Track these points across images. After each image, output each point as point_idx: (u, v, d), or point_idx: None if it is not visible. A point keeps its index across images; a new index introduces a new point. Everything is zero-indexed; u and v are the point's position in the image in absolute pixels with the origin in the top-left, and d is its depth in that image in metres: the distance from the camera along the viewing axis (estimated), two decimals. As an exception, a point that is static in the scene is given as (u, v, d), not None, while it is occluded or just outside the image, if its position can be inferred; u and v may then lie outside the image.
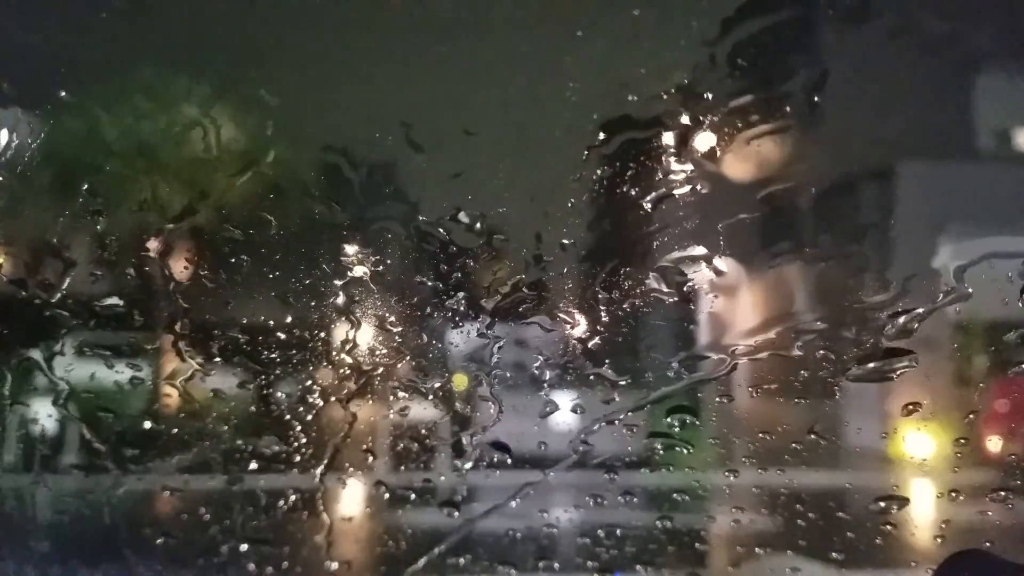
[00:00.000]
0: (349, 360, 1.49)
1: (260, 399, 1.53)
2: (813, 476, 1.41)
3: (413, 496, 1.51)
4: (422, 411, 1.51)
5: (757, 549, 1.46)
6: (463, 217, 1.42)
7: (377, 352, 1.49)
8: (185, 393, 1.51)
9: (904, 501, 1.33)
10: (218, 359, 1.50)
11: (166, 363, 1.50)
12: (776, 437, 1.40)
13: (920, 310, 1.28)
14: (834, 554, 1.41)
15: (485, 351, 1.45)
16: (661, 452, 1.47)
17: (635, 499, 1.50)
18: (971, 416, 1.31)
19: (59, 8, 1.53)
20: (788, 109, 1.39)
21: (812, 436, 1.37)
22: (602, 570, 1.49)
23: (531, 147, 1.42)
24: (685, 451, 1.46)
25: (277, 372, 1.50)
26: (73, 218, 1.47)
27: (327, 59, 1.45)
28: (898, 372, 1.27)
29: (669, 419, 1.44)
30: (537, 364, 1.46)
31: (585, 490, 1.50)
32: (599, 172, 1.39)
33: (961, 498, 1.31)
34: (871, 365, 1.28)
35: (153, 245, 1.42)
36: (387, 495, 1.53)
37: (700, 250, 1.37)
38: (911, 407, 1.27)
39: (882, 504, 1.37)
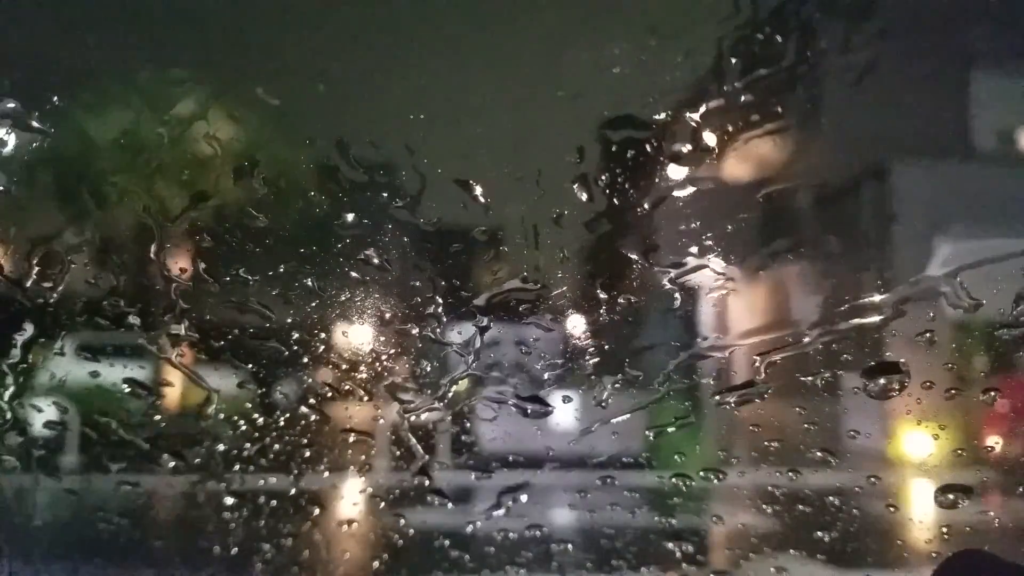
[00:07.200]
0: (348, 360, 1.49)
1: (259, 399, 1.53)
2: (812, 476, 1.41)
3: (412, 496, 1.51)
4: (421, 411, 1.51)
5: (756, 549, 1.46)
6: (461, 217, 1.42)
7: (376, 353, 1.49)
8: (184, 393, 1.51)
9: (903, 501, 1.33)
10: (217, 359, 1.50)
11: (166, 363, 1.50)
12: (774, 437, 1.40)
13: (919, 309, 1.28)
14: (835, 554, 1.41)
15: (484, 351, 1.45)
16: (660, 453, 1.47)
17: (634, 499, 1.50)
18: (971, 416, 1.31)
19: (58, 9, 1.53)
20: (788, 109, 1.39)
21: (810, 436, 1.37)
22: (601, 570, 1.49)
23: (531, 147, 1.42)
24: (684, 452, 1.46)
25: (276, 372, 1.51)
26: (73, 218, 1.47)
27: (324, 59, 1.45)
28: (897, 372, 1.27)
29: (669, 420, 1.44)
30: (536, 364, 1.46)
31: (584, 490, 1.50)
32: (599, 172, 1.39)
33: (961, 498, 1.30)
34: (871, 364, 1.28)
35: (152, 245, 1.42)
36: (387, 495, 1.53)
37: (699, 251, 1.37)
38: (910, 407, 1.27)
39: (882, 504, 1.37)
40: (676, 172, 1.38)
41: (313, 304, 1.48)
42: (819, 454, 1.36)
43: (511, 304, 1.43)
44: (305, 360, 1.49)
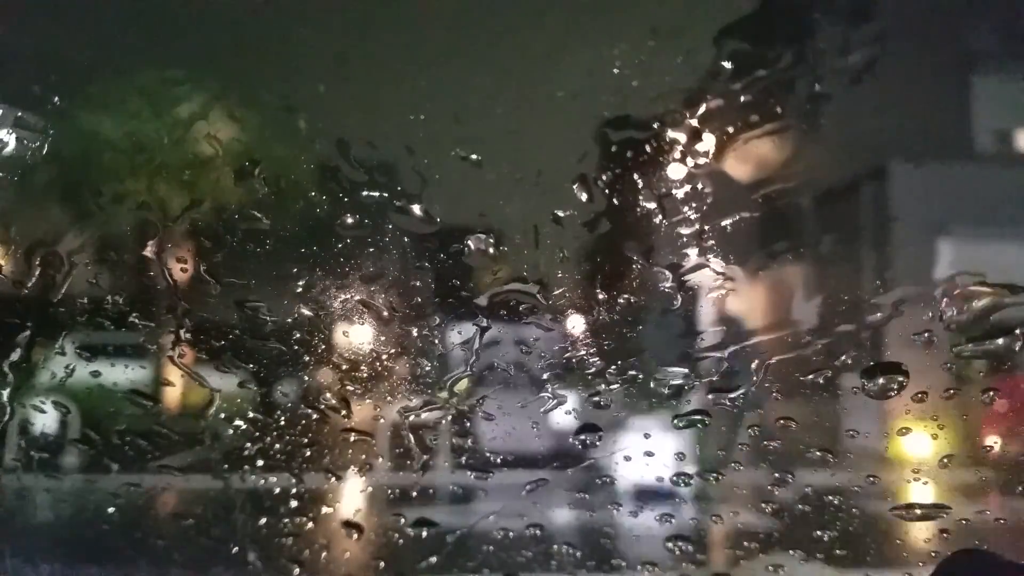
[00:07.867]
0: (348, 361, 1.49)
1: (259, 399, 1.53)
2: (811, 476, 1.41)
3: (413, 496, 1.52)
4: (422, 412, 1.51)
5: (756, 548, 1.46)
6: (462, 217, 1.42)
7: (376, 353, 1.49)
8: (185, 393, 1.51)
9: (903, 501, 1.33)
10: (217, 359, 1.50)
11: (166, 363, 1.50)
12: (773, 437, 1.40)
13: (918, 309, 1.28)
14: (835, 553, 1.41)
15: (484, 351, 1.45)
16: (660, 452, 1.47)
17: (634, 499, 1.50)
18: (970, 416, 1.31)
19: (58, 10, 1.53)
20: (787, 109, 1.39)
21: (809, 436, 1.37)
22: (601, 569, 1.49)
23: (531, 147, 1.42)
24: (683, 451, 1.46)
25: (276, 372, 1.51)
26: (74, 218, 1.47)
27: (325, 59, 1.45)
28: (897, 372, 1.27)
29: (669, 420, 1.44)
30: (536, 364, 1.46)
31: (584, 490, 1.50)
32: (599, 172, 1.39)
33: (961, 498, 1.31)
34: (870, 364, 1.28)
35: (152, 246, 1.42)
36: (387, 496, 1.53)
37: (699, 251, 1.37)
38: (910, 407, 1.27)
39: (882, 504, 1.37)
40: (676, 172, 1.38)
41: (313, 304, 1.48)
42: (819, 454, 1.37)
43: (511, 304, 1.43)
44: (305, 360, 1.49)
